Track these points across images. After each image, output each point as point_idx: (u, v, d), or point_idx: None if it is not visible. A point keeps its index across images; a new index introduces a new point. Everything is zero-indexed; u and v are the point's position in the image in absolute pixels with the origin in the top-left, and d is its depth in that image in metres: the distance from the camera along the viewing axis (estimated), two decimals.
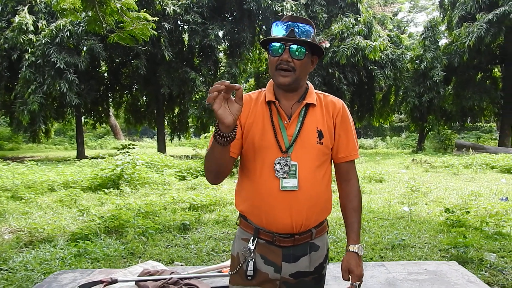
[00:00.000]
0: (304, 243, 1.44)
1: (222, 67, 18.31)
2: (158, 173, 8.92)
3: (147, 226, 4.52)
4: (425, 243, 4.25)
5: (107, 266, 3.53)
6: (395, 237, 4.36)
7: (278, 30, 1.39)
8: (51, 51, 13.53)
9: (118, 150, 8.79)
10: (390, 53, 17.62)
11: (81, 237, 4.19)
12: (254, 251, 1.43)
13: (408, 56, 18.33)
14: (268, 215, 1.39)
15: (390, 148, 24.96)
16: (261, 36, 18.17)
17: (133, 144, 11.58)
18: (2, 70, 14.47)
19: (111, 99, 20.30)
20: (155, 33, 6.62)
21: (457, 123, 22.77)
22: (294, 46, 1.36)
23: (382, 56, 17.14)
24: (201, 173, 9.16)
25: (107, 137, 27.48)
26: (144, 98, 20.13)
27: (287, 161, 1.37)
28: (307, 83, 1.49)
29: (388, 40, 18.31)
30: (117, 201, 6.03)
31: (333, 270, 2.76)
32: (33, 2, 14.65)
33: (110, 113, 22.24)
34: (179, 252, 3.95)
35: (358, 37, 16.28)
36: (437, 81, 17.30)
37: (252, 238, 1.43)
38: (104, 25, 5.73)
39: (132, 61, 16.65)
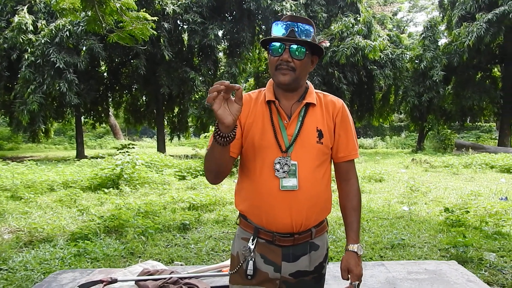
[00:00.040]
0: (304, 242, 1.44)
1: (222, 67, 18.31)
2: (157, 173, 8.92)
3: (146, 225, 4.52)
4: (425, 243, 4.26)
5: (107, 265, 3.53)
6: (394, 237, 4.36)
7: (278, 30, 1.39)
8: (51, 51, 13.52)
9: (117, 150, 8.80)
10: (389, 53, 17.62)
11: (80, 237, 4.19)
12: (254, 250, 1.43)
13: (407, 55, 18.33)
14: (268, 215, 1.39)
15: (390, 147, 24.98)
16: (260, 36, 18.17)
17: (132, 144, 11.59)
18: (1, 70, 14.45)
19: (110, 99, 20.30)
20: (155, 32, 6.62)
21: (457, 122, 22.79)
22: (294, 46, 1.36)
23: (382, 56, 17.14)
24: (201, 172, 9.16)
25: (107, 137, 27.47)
26: (144, 98, 20.14)
27: (287, 160, 1.38)
28: (307, 83, 1.49)
29: (388, 40, 18.31)
30: (117, 200, 6.03)
31: (332, 270, 2.76)
32: (32, 2, 14.63)
33: (110, 113, 22.23)
34: (179, 252, 3.95)
35: (358, 36, 16.29)
36: (437, 80, 17.30)
37: (252, 238, 1.43)
38: (103, 25, 5.74)
39: (132, 61, 16.65)
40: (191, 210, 5.62)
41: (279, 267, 1.43)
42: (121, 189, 7.15)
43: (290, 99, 1.45)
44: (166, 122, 20.54)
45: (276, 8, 15.43)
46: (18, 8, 14.35)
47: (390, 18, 22.46)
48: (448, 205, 5.50)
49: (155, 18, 6.52)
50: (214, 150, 1.29)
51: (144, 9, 11.96)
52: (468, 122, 24.37)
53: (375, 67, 17.39)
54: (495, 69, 21.01)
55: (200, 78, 15.86)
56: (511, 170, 10.81)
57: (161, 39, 14.92)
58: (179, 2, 15.44)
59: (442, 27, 21.35)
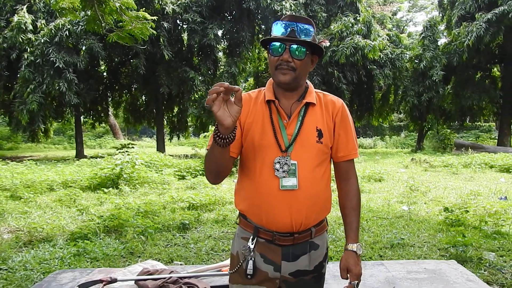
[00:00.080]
0: (303, 242, 1.44)
1: (222, 67, 18.31)
2: (157, 173, 8.92)
3: (146, 225, 4.52)
4: (424, 242, 4.26)
5: (107, 265, 3.53)
6: (394, 236, 4.37)
7: (278, 30, 1.39)
8: (50, 51, 13.50)
9: (117, 150, 8.78)
10: (389, 53, 17.62)
11: (80, 237, 4.18)
12: (254, 250, 1.43)
13: (407, 55, 18.33)
14: (267, 214, 1.39)
15: (389, 147, 24.99)
16: (260, 35, 18.17)
17: (132, 144, 11.53)
18: (1, 70, 14.44)
19: (110, 99, 20.28)
20: (154, 32, 6.62)
21: (456, 122, 22.80)
22: (295, 46, 1.36)
23: (381, 56, 17.14)
24: (201, 172, 9.17)
25: (106, 137, 27.45)
26: (143, 98, 20.12)
27: (286, 160, 1.38)
28: (306, 82, 1.50)
29: (387, 40, 18.30)
30: (117, 200, 6.02)
31: (332, 269, 2.76)
32: (32, 1, 14.62)
33: (109, 113, 22.21)
34: (179, 251, 3.95)
35: (357, 36, 16.29)
36: (436, 80, 17.31)
37: (251, 237, 1.44)
38: (103, 24, 5.73)
39: (131, 61, 16.62)
40: (190, 210, 5.62)
41: (279, 266, 1.43)
42: (120, 188, 7.15)
43: (290, 98, 1.45)
44: (165, 121, 20.53)
45: (275, 7, 15.43)
46: (17, 7, 14.34)
47: (390, 17, 22.46)
48: (447, 205, 5.50)
49: (155, 17, 6.51)
50: (214, 150, 1.29)
51: (144, 8, 11.88)
52: (467, 121, 24.41)
53: (375, 66, 17.39)
54: (495, 69, 21.03)
55: (200, 78, 15.85)
56: (510, 170, 10.82)
57: (161, 39, 14.90)
58: (179, 2, 15.43)
59: (442, 27, 21.35)
